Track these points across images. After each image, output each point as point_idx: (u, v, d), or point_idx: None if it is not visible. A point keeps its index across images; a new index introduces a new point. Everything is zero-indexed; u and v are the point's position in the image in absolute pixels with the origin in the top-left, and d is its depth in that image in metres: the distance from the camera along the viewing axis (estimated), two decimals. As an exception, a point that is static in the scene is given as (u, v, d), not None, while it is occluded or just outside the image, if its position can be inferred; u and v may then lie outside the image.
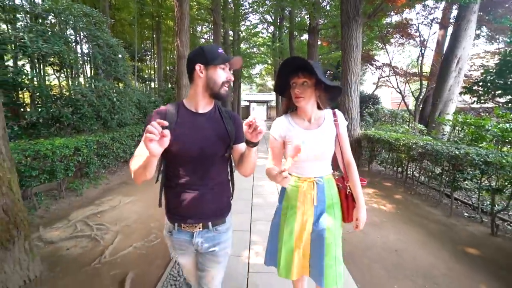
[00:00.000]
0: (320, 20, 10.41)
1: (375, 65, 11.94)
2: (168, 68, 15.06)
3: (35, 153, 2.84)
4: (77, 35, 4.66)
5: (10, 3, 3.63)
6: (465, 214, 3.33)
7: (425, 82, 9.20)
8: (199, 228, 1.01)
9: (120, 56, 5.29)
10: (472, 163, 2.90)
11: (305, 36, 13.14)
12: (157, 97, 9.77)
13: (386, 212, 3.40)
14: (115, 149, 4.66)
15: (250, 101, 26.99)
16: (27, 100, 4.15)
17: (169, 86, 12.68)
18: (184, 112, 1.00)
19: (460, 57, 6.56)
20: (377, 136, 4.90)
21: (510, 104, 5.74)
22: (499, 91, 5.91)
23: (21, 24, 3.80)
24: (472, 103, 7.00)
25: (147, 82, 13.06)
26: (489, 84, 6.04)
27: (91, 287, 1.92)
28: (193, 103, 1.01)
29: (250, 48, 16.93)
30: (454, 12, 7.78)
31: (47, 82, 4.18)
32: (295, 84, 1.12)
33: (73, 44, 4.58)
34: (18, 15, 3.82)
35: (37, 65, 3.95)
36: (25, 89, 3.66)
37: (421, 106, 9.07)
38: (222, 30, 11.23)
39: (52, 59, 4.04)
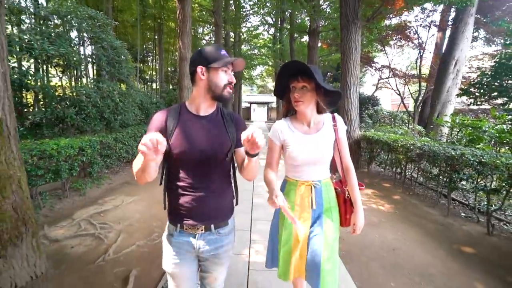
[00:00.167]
0: (320, 23, 10.50)
1: (375, 67, 12.00)
2: (169, 69, 15.14)
3: (41, 152, 2.90)
4: (82, 37, 4.73)
5: (16, 5, 3.69)
6: (462, 214, 3.38)
7: (424, 84, 9.27)
8: (201, 230, 1.00)
9: (123, 57, 5.36)
10: (468, 164, 2.96)
11: (306, 38, 13.24)
12: (159, 98, 9.81)
13: (384, 212, 3.45)
14: (117, 149, 4.72)
15: (250, 102, 27.10)
16: (30, 101, 4.21)
17: (171, 87, 12.76)
18: (185, 114, 0.99)
19: (457, 59, 6.64)
20: (376, 137, 4.94)
21: (506, 106, 5.80)
22: (495, 93, 5.97)
23: (27, 26, 3.85)
24: (469, 105, 7.06)
25: (148, 83, 13.13)
26: (485, 86, 6.11)
27: (95, 284, 1.96)
28: (194, 105, 1.01)
29: (251, 49, 17.03)
30: (452, 15, 7.85)
31: (51, 83, 4.24)
32: (295, 88, 1.13)
33: (78, 46, 4.64)
34: (23, 17, 3.87)
35: (43, 66, 4.00)
36: (30, 90, 3.72)
37: (420, 107, 9.12)
38: (223, 31, 11.33)
39: (56, 61, 4.11)
